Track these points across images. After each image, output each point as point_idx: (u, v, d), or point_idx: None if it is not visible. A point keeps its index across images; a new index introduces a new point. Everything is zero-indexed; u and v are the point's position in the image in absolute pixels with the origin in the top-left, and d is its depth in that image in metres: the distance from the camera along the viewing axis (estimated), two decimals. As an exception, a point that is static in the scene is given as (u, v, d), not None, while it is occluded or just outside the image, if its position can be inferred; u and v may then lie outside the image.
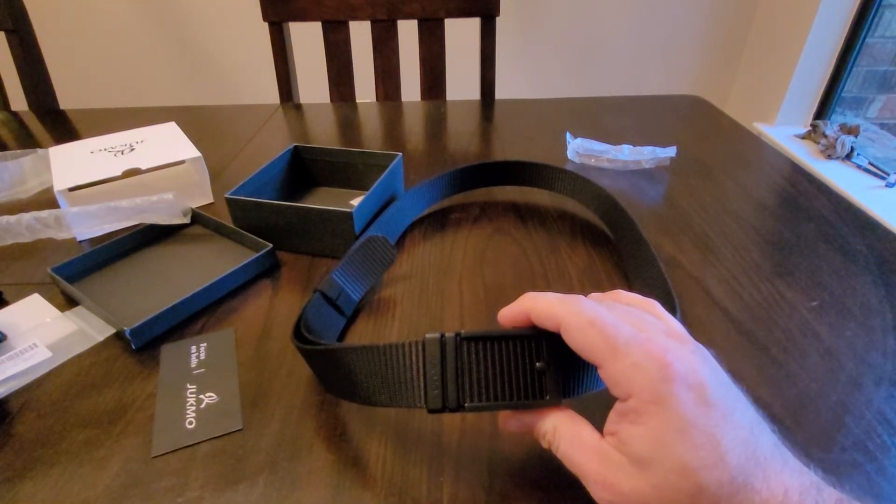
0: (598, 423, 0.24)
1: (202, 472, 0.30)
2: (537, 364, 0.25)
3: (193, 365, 0.37)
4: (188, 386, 0.35)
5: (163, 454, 0.31)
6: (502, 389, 0.25)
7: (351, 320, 0.41)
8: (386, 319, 0.41)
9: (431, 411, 0.26)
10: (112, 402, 0.34)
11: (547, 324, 0.25)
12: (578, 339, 0.24)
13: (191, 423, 0.33)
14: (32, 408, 0.34)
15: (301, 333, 0.34)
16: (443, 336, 0.26)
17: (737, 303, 0.42)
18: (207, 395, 0.34)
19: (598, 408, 0.32)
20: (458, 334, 0.25)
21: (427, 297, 0.43)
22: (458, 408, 0.25)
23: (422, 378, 0.26)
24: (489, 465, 0.30)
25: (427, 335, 0.26)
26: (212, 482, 0.29)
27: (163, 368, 0.37)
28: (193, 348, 0.38)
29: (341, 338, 0.40)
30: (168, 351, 0.38)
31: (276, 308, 0.42)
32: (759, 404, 0.33)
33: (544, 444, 0.26)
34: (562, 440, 0.24)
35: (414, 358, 0.26)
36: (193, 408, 0.34)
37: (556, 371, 0.25)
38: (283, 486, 0.29)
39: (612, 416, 0.23)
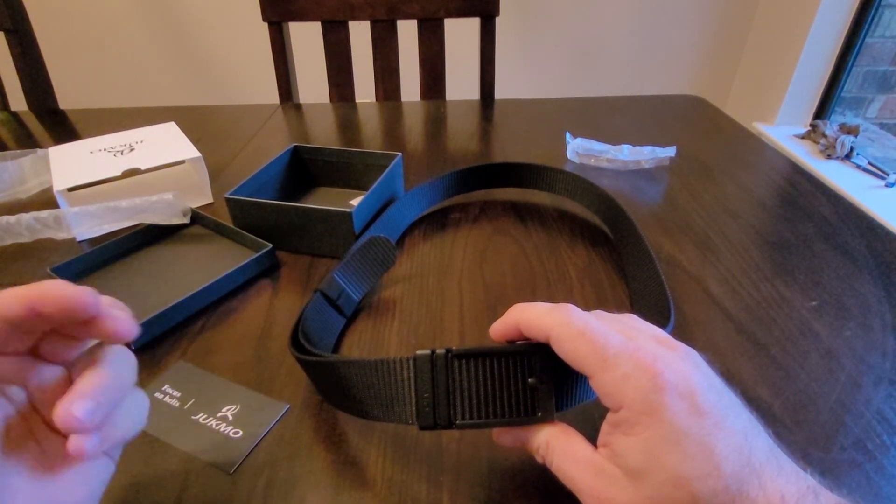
0: (593, 432, 0.24)
1: (201, 472, 0.30)
2: (529, 380, 0.25)
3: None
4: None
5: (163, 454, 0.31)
6: (494, 406, 0.25)
7: (351, 321, 0.41)
8: (386, 320, 0.41)
9: (422, 428, 0.25)
10: (112, 402, 0.34)
11: (537, 335, 0.25)
12: (568, 350, 0.24)
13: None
14: (32, 408, 0.34)
15: (298, 341, 0.33)
16: (433, 353, 0.25)
17: (737, 303, 0.42)
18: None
19: (596, 409, 0.32)
20: (448, 351, 0.25)
21: (427, 297, 0.43)
22: (450, 425, 0.25)
23: (412, 395, 0.26)
24: (489, 464, 0.30)
25: (418, 352, 0.26)
26: (211, 482, 0.29)
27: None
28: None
29: (341, 338, 0.40)
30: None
31: (276, 308, 0.42)
32: (758, 404, 0.33)
33: (538, 459, 0.25)
34: (555, 455, 0.24)
35: (405, 374, 0.26)
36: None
37: (549, 386, 0.25)
38: (283, 486, 0.29)
39: (604, 427, 0.23)
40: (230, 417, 0.33)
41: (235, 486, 0.29)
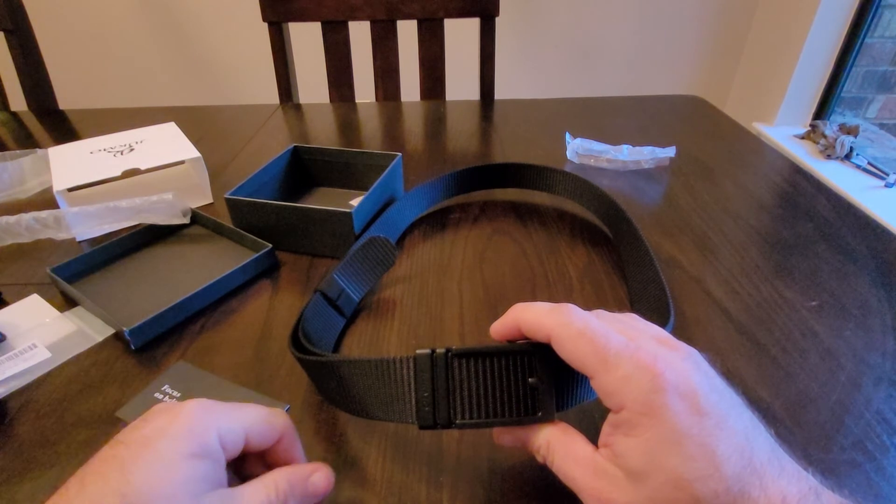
0: (594, 432, 0.24)
1: (202, 472, 0.30)
2: (530, 380, 0.25)
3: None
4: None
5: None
6: (494, 406, 0.25)
7: (351, 321, 0.41)
8: (386, 320, 0.41)
9: (422, 428, 0.25)
10: (112, 402, 0.34)
11: (537, 335, 0.25)
12: (569, 350, 0.23)
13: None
14: (32, 408, 0.34)
15: (299, 341, 0.33)
16: (433, 352, 0.25)
17: (737, 303, 0.42)
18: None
19: (596, 409, 0.32)
20: (448, 350, 0.25)
21: (427, 297, 0.43)
22: (449, 424, 0.25)
23: (412, 394, 0.26)
24: (489, 464, 0.30)
25: (418, 351, 0.25)
26: (211, 482, 0.29)
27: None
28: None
29: (341, 339, 0.40)
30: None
31: (276, 308, 0.42)
32: (758, 404, 0.33)
33: (539, 459, 0.25)
34: (556, 455, 0.24)
35: (405, 374, 0.26)
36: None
37: (549, 386, 0.25)
38: (282, 487, 0.29)
39: (605, 427, 0.23)
40: (230, 417, 0.33)
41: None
